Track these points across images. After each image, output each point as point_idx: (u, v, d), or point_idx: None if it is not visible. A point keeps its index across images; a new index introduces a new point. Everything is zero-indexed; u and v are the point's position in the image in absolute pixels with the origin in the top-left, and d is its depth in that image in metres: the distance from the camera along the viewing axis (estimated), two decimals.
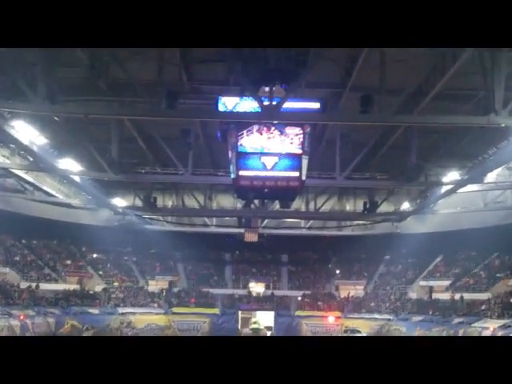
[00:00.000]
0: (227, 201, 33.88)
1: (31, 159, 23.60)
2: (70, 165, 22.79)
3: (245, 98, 14.11)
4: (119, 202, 31.18)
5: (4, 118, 18.76)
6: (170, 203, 33.53)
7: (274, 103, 13.83)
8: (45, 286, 33.48)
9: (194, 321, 35.40)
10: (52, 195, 31.51)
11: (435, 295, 36.11)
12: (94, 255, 41.34)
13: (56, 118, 18.31)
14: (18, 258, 35.52)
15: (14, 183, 29.92)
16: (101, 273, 39.48)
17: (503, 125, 14.46)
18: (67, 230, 36.64)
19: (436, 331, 30.35)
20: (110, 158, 20.39)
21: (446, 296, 35.08)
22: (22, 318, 25.57)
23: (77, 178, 25.78)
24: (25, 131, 19.84)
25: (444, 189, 26.31)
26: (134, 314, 34.36)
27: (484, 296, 31.98)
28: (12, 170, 26.53)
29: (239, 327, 36.96)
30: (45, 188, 30.37)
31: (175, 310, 35.99)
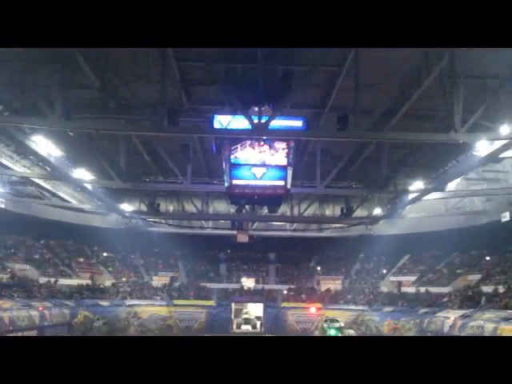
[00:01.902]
0: (222, 206, 33.79)
1: (49, 169, 23.41)
2: (82, 174, 22.56)
3: (237, 116, 14.06)
4: (126, 207, 30.96)
5: (25, 133, 18.66)
6: (171, 208, 33.38)
7: (263, 121, 13.80)
8: (60, 281, 33.09)
9: (193, 311, 35.10)
10: (67, 201, 31.26)
11: (403, 289, 36.12)
12: (104, 254, 40.95)
13: (70, 133, 18.17)
14: (37, 257, 35.11)
15: (33, 190, 29.63)
16: (110, 269, 39.12)
17: (461, 141, 14.60)
18: (80, 231, 36.27)
19: (404, 320, 30.37)
20: (119, 168, 20.26)
21: (412, 290, 35.14)
22: (40, 309, 25.24)
23: (89, 186, 25.55)
24: (43, 145, 19.73)
25: (411, 196, 26.42)
26: (139, 305, 34.00)
27: (446, 290, 32.08)
28: (32, 179, 26.30)
29: (232, 317, 36.74)
30: (61, 194, 30.13)
31: (176, 302, 35.65)
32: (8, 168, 23.18)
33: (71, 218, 34.29)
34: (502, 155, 18.72)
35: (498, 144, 16.87)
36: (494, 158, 19.02)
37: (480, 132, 15.30)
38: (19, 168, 23.67)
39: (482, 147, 17.87)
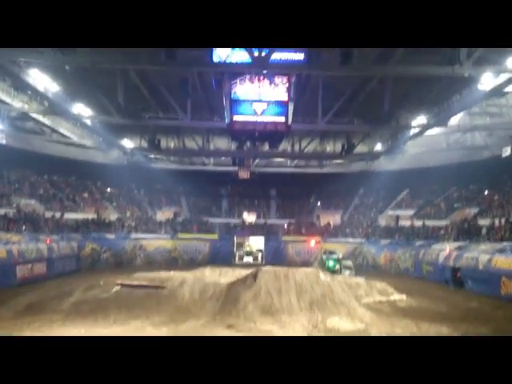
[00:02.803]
0: (223, 143, 33.58)
1: (47, 105, 23.00)
2: (81, 110, 22.24)
3: (237, 49, 13.56)
4: (127, 143, 30.81)
5: (20, 67, 18.14)
6: (172, 145, 33.17)
7: (264, 54, 13.32)
8: (66, 216, 33.53)
9: (197, 244, 35.84)
10: (67, 137, 31.04)
11: (401, 222, 36.63)
12: (108, 189, 41.21)
13: (66, 67, 17.65)
14: (41, 192, 35.34)
15: (33, 126, 29.33)
16: (114, 204, 39.49)
17: (466, 74, 14.16)
18: (83, 167, 36.30)
19: (400, 252, 31.03)
20: (117, 104, 19.86)
21: (409, 223, 35.65)
22: (48, 242, 25.68)
23: (88, 122, 25.25)
24: (39, 79, 19.31)
25: (412, 131, 26.17)
26: (145, 239, 34.71)
27: (443, 223, 32.50)
28: (31, 114, 25.91)
29: (235, 250, 37.62)
30: (61, 130, 29.87)
31: (180, 235, 36.31)
32: (6, 103, 22.78)
33: (73, 153, 34.21)
34: (506, 89, 18.26)
35: (503, 77, 16.40)
36: (498, 91, 18.54)
37: (485, 65, 14.80)
38: (17, 103, 23.25)
39: (487, 81, 17.40)
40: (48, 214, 32.19)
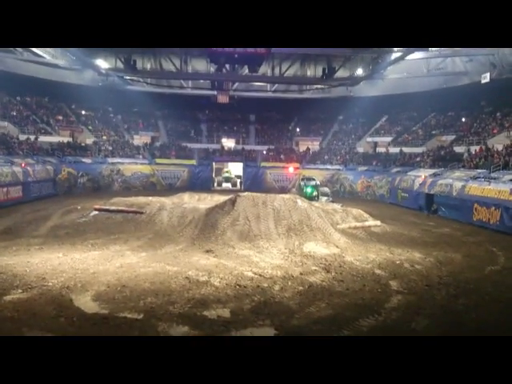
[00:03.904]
0: (201, 65, 32.30)
1: None
2: None
3: None
4: (102, 63, 29.25)
5: None
6: (148, 66, 31.73)
7: None
8: (41, 138, 32.45)
9: (175, 170, 35.51)
10: (40, 56, 29.24)
11: (379, 149, 36.74)
12: (83, 112, 39.68)
13: None
14: (14, 113, 33.85)
15: None
16: (90, 128, 38.24)
17: None
18: (57, 88, 34.59)
19: (377, 178, 31.39)
20: None
21: (387, 150, 35.76)
22: (23, 165, 24.98)
23: None
24: None
25: (394, 56, 25.48)
26: (122, 163, 34.13)
27: (420, 150, 32.70)
28: None
29: (213, 176, 37.51)
30: (32, 48, 28.02)
31: (158, 161, 35.81)
32: None
33: (46, 74, 32.39)
34: None
35: None
36: None
37: None
38: None
39: None
40: (22, 137, 31.09)
